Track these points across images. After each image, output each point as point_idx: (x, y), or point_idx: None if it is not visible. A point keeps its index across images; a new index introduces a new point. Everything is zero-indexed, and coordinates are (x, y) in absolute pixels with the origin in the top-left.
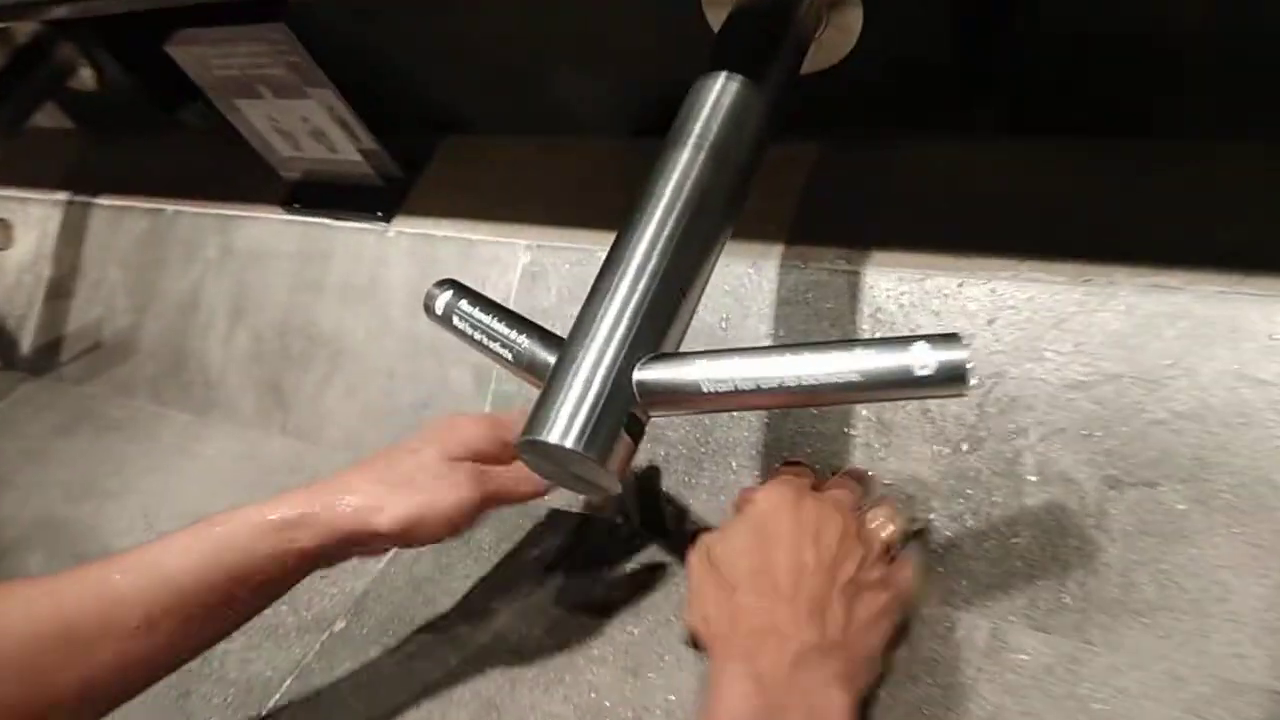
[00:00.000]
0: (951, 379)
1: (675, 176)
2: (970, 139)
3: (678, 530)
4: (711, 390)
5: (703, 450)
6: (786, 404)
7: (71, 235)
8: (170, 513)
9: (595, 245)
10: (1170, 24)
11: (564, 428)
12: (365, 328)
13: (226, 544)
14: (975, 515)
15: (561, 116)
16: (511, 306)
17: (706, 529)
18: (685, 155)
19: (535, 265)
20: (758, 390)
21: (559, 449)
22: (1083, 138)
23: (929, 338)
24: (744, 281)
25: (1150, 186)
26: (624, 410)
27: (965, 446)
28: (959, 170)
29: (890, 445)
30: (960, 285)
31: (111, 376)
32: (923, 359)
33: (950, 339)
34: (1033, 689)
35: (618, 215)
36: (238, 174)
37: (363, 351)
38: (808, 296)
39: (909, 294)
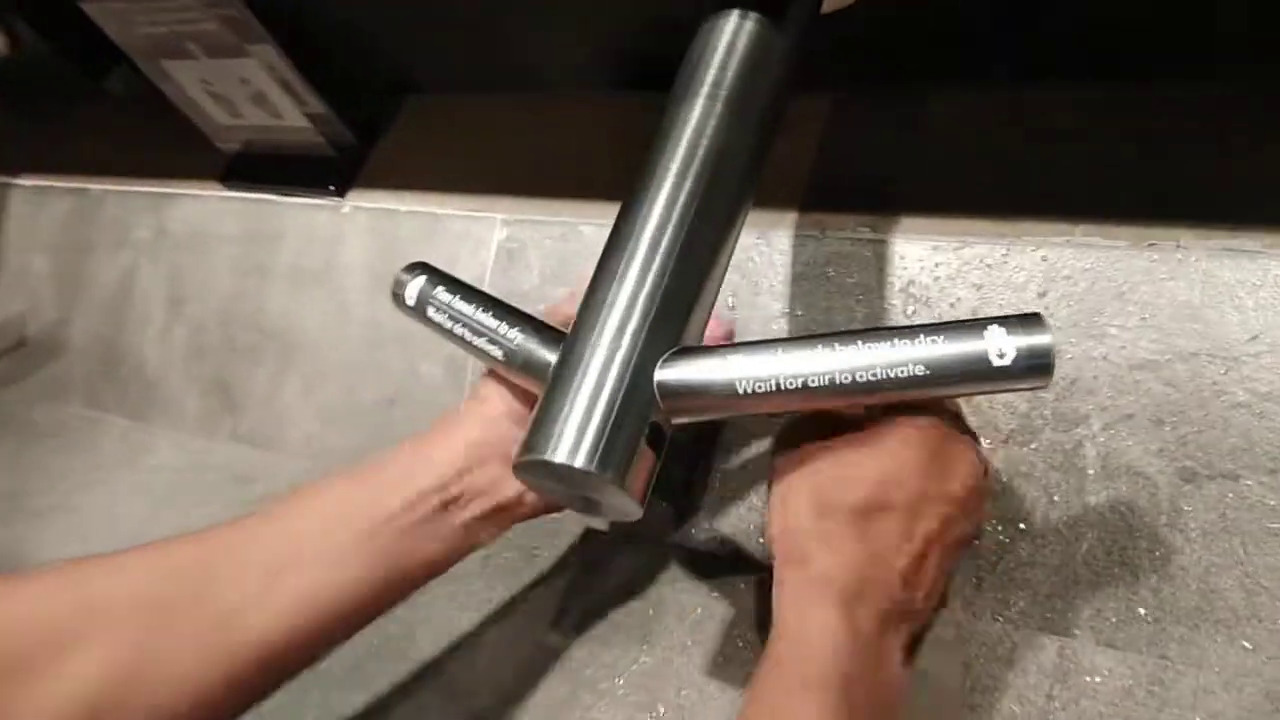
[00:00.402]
0: (1034, 369)
1: (689, 134)
2: (1009, 86)
3: (687, 540)
4: (749, 390)
5: (714, 451)
6: (838, 404)
7: None
8: (110, 535)
9: (581, 218)
10: None
11: (572, 443)
12: (321, 316)
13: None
14: (1031, 517)
15: (535, 70)
16: (487, 289)
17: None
18: (699, 109)
19: (513, 241)
20: (804, 389)
21: (567, 469)
22: (1139, 83)
23: (1003, 320)
24: (753, 255)
25: (1219, 137)
26: (644, 418)
27: (1018, 438)
28: (998, 122)
29: None
30: (1005, 254)
31: (38, 378)
32: (1000, 345)
33: (1030, 320)
34: (1113, 718)
35: (607, 182)
36: (171, 147)
37: (319, 343)
38: (827, 270)
39: (945, 265)
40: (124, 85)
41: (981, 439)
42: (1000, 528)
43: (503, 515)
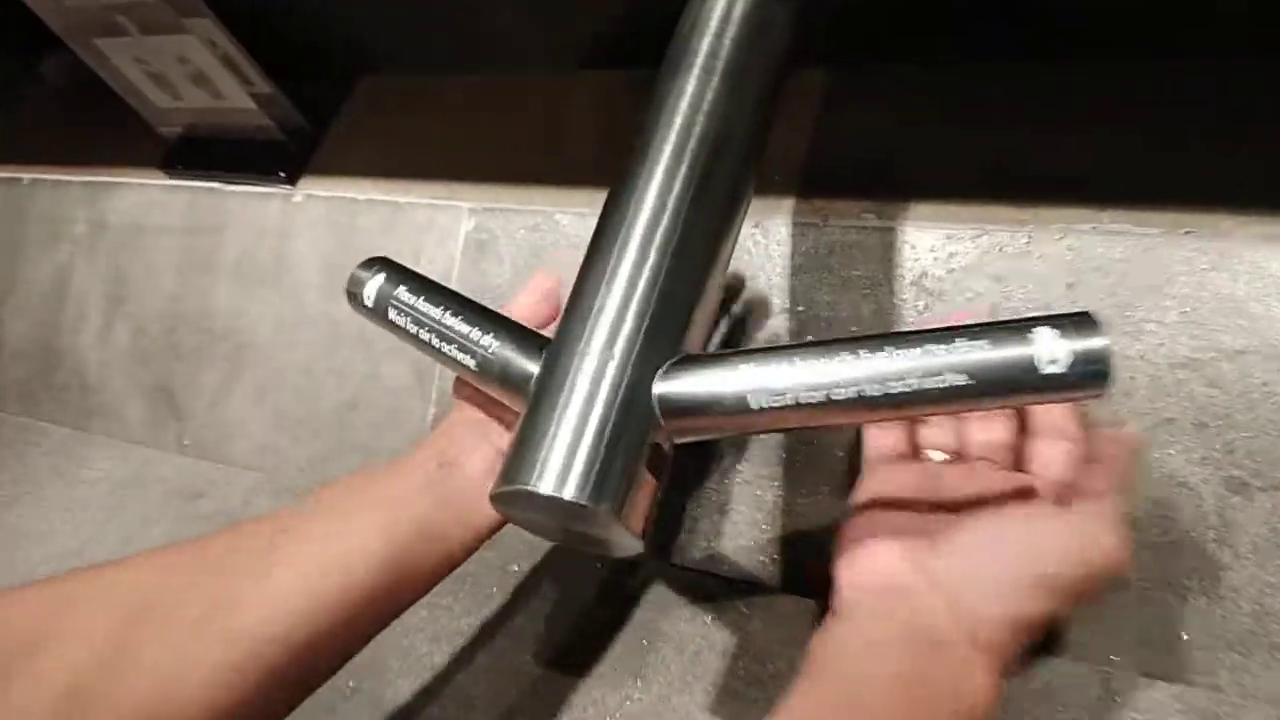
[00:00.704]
0: (1090, 377)
1: (683, 111)
2: (1028, 58)
3: (682, 560)
4: (763, 406)
5: (709, 460)
6: (864, 420)
7: None
8: (43, 555)
9: (557, 206)
10: None
11: (559, 471)
12: (273, 316)
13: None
14: None
15: (502, 47)
16: (455, 287)
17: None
18: (693, 83)
19: (482, 232)
20: (827, 403)
21: (554, 501)
22: (1171, 57)
23: (1052, 320)
24: (747, 245)
25: (1262, 113)
26: (643, 440)
27: None
28: (1016, 97)
29: None
30: (1028, 242)
31: None
32: (1050, 350)
33: (1082, 321)
34: None
35: (586, 167)
36: (109, 134)
37: (271, 345)
38: (830, 261)
39: (961, 255)
40: (59, 72)
41: None
42: None
43: None
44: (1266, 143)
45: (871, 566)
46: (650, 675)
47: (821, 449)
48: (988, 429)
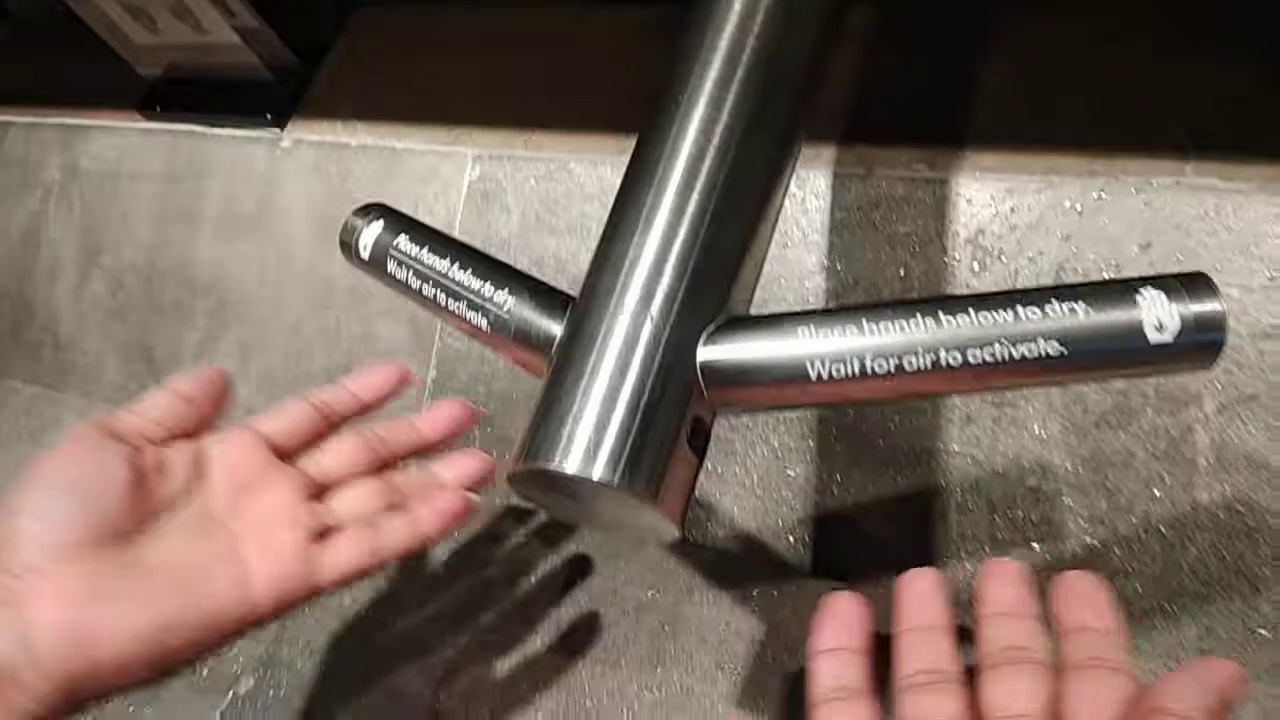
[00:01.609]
0: (1203, 347)
1: (729, 32)
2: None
3: (704, 539)
4: (823, 375)
5: (732, 430)
6: (936, 392)
7: None
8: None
9: (570, 153)
10: None
11: (586, 447)
12: (258, 269)
13: None
14: (1127, 516)
15: None
16: (457, 237)
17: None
18: (740, 3)
19: (487, 181)
20: (898, 372)
21: (583, 482)
22: None
23: (1159, 281)
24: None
25: None
26: (683, 411)
27: (1112, 420)
28: (1087, 37)
29: (1004, 417)
30: (1099, 196)
31: None
32: (1159, 315)
33: (1196, 282)
34: None
35: (603, 111)
36: (83, 74)
37: (257, 300)
38: (874, 217)
39: (1022, 210)
40: (29, 8)
41: (1064, 421)
42: (1088, 528)
43: None
44: None
45: None
46: (670, 664)
47: (858, 420)
48: (1013, 693)
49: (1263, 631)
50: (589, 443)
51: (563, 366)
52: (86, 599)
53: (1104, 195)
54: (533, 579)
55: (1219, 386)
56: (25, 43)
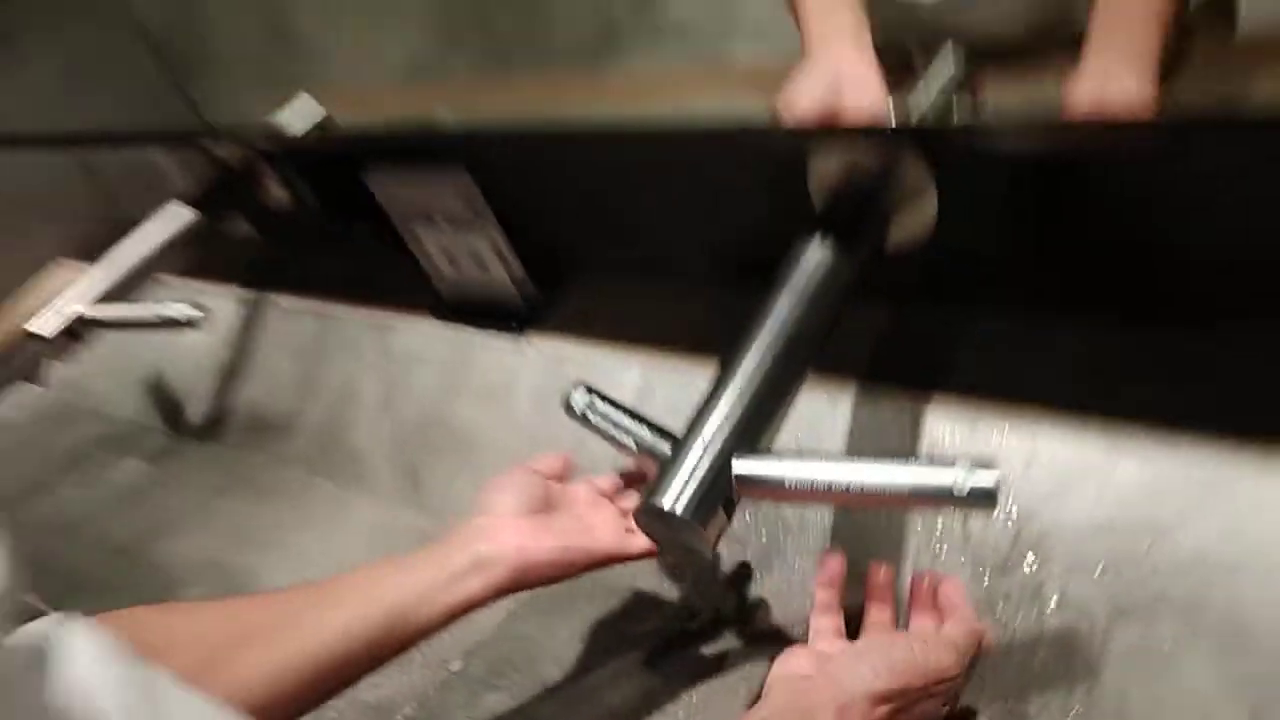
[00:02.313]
0: (984, 496)
1: (775, 315)
2: (1023, 317)
3: (748, 624)
4: (793, 486)
5: (774, 549)
6: (850, 503)
7: (250, 328)
8: (320, 566)
9: (694, 372)
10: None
11: (675, 496)
12: (496, 425)
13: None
14: (1005, 629)
15: (674, 269)
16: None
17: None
18: (784, 300)
19: (644, 383)
20: (829, 490)
21: (671, 514)
22: (1128, 324)
23: (969, 461)
24: (820, 413)
25: (1156, 363)
26: (723, 491)
27: (1000, 571)
28: (1008, 345)
29: (939, 560)
30: (1001, 435)
31: (271, 449)
32: (961, 478)
33: (985, 464)
34: None
35: (715, 349)
36: (397, 285)
37: (491, 444)
38: (873, 430)
39: (960, 436)
40: (366, 237)
41: (976, 567)
42: None
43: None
44: (1163, 382)
45: (793, 663)
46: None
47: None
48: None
49: (1077, 709)
50: (676, 493)
51: (671, 462)
52: (527, 533)
53: (1006, 432)
54: (643, 644)
55: (1064, 558)
56: (360, 262)
